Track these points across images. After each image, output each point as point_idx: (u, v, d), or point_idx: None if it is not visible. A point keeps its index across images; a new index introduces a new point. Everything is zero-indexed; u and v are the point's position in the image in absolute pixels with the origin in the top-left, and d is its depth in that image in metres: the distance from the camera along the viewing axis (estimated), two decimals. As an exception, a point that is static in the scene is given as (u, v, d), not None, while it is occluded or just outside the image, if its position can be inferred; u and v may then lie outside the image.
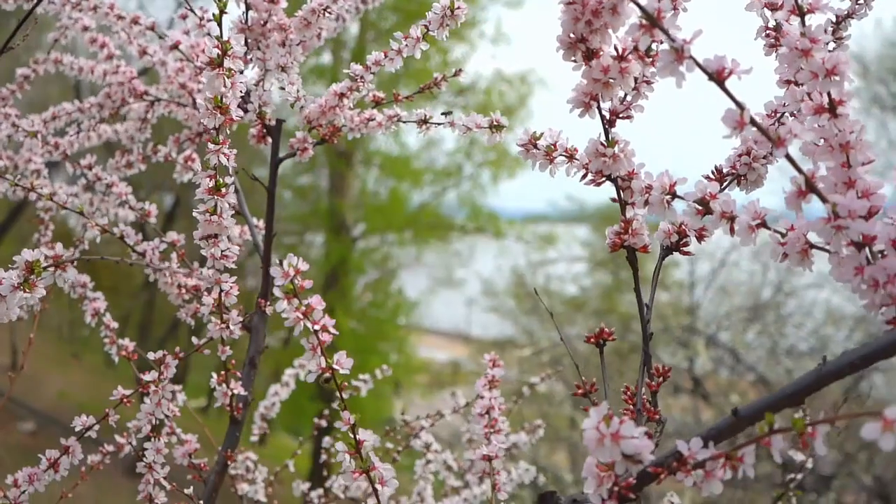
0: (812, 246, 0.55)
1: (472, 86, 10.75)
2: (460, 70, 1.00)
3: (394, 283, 12.07)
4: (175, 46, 1.07)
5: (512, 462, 1.46)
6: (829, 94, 0.54)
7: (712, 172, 0.71)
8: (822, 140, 0.56)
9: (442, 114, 0.98)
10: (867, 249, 0.52)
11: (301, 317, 0.62)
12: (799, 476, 1.08)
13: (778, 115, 0.70)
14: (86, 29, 1.20)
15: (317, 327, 0.63)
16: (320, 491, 1.39)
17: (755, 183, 0.69)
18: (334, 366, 0.64)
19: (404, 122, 0.97)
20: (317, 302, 0.63)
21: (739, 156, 0.69)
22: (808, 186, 0.52)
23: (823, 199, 0.52)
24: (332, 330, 0.63)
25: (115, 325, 1.11)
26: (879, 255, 0.53)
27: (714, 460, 0.51)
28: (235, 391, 0.98)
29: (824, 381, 0.50)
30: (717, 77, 0.51)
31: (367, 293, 11.67)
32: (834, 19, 0.73)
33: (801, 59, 0.54)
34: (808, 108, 0.55)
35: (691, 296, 6.75)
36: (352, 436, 0.65)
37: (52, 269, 0.67)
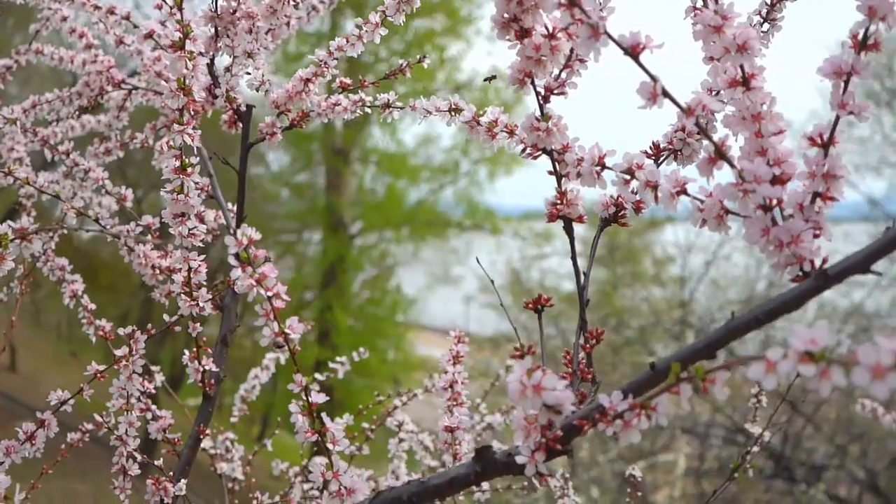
0: (728, 211, 0.58)
1: (469, 83, 10.78)
2: (424, 57, 1.04)
3: (391, 281, 12.11)
4: (149, 35, 1.10)
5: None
6: (741, 68, 0.58)
7: (650, 147, 0.74)
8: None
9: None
10: (774, 212, 0.55)
11: (255, 284, 0.66)
12: (755, 448, 1.11)
13: (713, 92, 0.73)
14: (65, 19, 1.23)
15: (270, 294, 0.66)
16: (297, 468, 1.43)
17: (689, 157, 0.72)
18: (286, 330, 0.67)
19: (369, 106, 1.01)
20: (269, 270, 0.67)
21: (675, 131, 0.73)
22: (718, 153, 0.56)
23: (732, 165, 0.55)
24: (285, 297, 0.67)
25: (92, 306, 1.15)
26: (790, 219, 0.56)
27: (631, 410, 0.54)
28: (207, 367, 1.01)
29: (732, 335, 0.54)
30: (632, 51, 0.55)
31: (365, 290, 11.71)
32: (768, 1, 0.76)
33: (714, 36, 0.57)
34: (723, 81, 0.58)
35: (683, 290, 6.79)
36: (304, 398, 0.69)
37: (17, 241, 0.71)
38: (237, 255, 0.65)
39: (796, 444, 6.05)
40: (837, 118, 0.56)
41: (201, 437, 1.03)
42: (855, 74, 0.55)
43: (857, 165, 9.00)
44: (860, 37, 0.55)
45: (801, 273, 0.54)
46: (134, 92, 1.25)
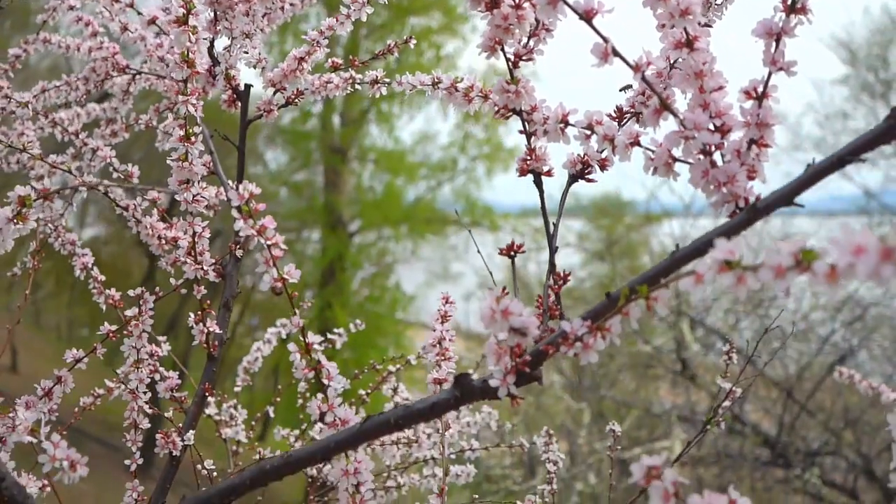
0: (675, 159, 0.66)
1: (469, 75, 10.83)
2: (410, 38, 1.11)
3: (390, 278, 12.17)
4: (153, 21, 1.17)
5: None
6: (685, 31, 0.65)
7: (614, 111, 0.81)
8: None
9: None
10: (714, 157, 0.63)
11: (256, 233, 0.73)
12: (727, 403, 1.18)
13: (671, 60, 0.80)
14: (71, 8, 1.30)
15: (269, 242, 0.73)
16: (297, 432, 1.50)
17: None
18: (285, 275, 0.75)
19: (358, 83, 1.08)
20: (269, 222, 0.74)
21: (636, 95, 0.80)
22: (663, 105, 0.63)
23: (675, 115, 0.62)
24: (283, 246, 0.74)
25: (102, 277, 1.22)
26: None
27: (589, 333, 0.61)
28: (211, 329, 1.09)
29: (677, 264, 0.61)
30: (586, 16, 0.62)
31: (364, 288, 11.77)
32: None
33: (660, 3, 0.64)
34: (670, 43, 0.65)
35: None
36: (302, 338, 0.76)
37: (40, 200, 0.78)
38: (239, 208, 0.73)
39: (791, 431, 6.13)
40: (770, 73, 0.63)
41: (207, 395, 1.10)
42: (784, 35, 0.63)
43: (853, 157, 9.04)
44: (790, 2, 0.62)
45: (736, 209, 0.61)
46: (137, 77, 1.32)
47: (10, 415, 0.74)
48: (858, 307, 7.01)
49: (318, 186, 11.92)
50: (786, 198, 0.58)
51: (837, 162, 0.57)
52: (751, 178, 0.62)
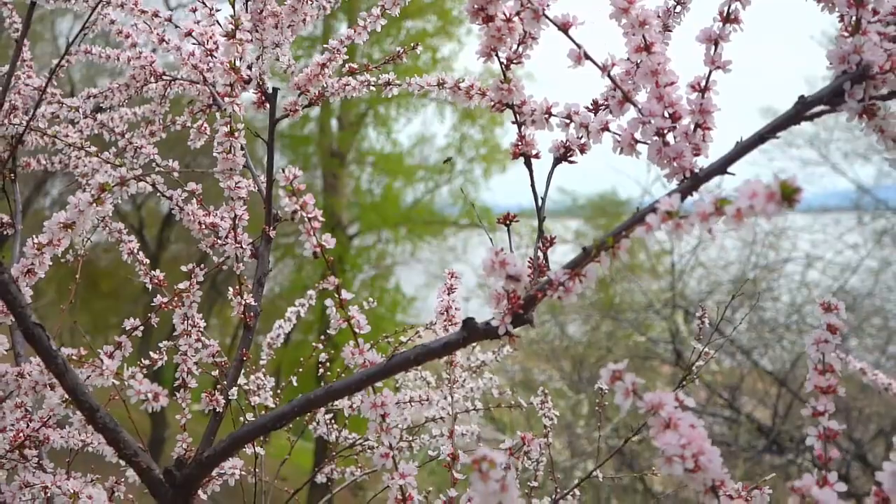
0: (636, 140, 0.82)
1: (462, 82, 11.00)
2: (417, 44, 1.27)
3: (390, 280, 12.31)
4: (189, 34, 1.33)
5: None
6: (644, 38, 0.81)
7: (591, 103, 0.97)
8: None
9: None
10: (666, 138, 0.79)
11: (299, 208, 0.89)
12: (700, 363, 1.34)
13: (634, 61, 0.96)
14: (112, 22, 1.46)
15: (310, 216, 0.89)
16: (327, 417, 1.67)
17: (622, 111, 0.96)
18: (322, 242, 0.91)
19: (373, 85, 1.24)
20: (309, 199, 0.90)
21: (608, 90, 0.96)
22: (625, 98, 0.79)
23: (634, 105, 0.79)
24: (320, 217, 0.90)
25: (147, 261, 1.38)
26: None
27: (570, 279, 0.77)
28: (248, 302, 1.25)
29: (636, 222, 0.77)
30: (563, 28, 0.78)
31: (364, 290, 11.90)
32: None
33: (623, 15, 0.81)
34: (632, 48, 0.82)
35: (673, 273, 7.03)
36: (337, 295, 0.92)
37: (118, 186, 0.94)
38: (285, 188, 0.89)
39: (785, 420, 6.30)
40: (710, 71, 0.79)
41: (244, 358, 1.26)
42: (721, 40, 0.79)
43: (846, 153, 9.22)
44: (724, 13, 0.79)
45: (683, 179, 0.77)
46: (173, 82, 1.49)
47: (95, 362, 0.90)
48: (850, 297, 7.18)
49: (316, 190, 12.06)
50: (720, 168, 0.74)
51: (759, 139, 0.73)
52: (696, 155, 0.78)
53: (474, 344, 1.82)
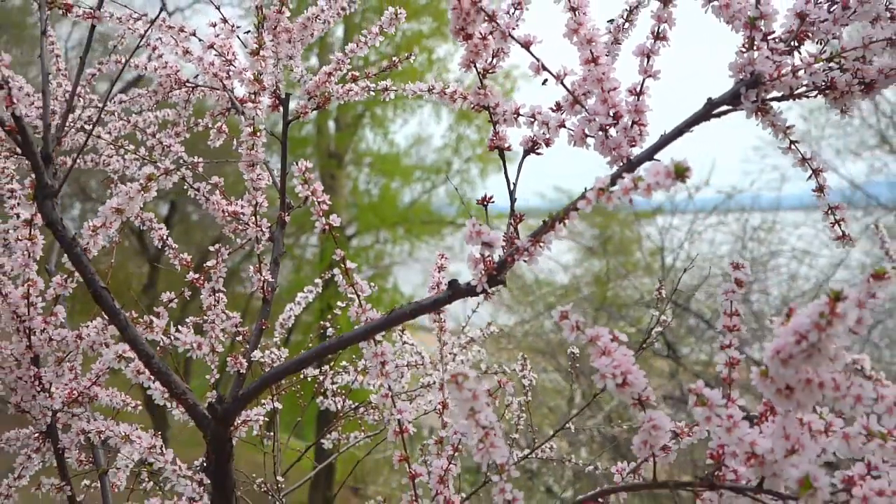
0: (586, 135, 1.02)
1: (458, 82, 11.21)
2: (411, 54, 1.47)
3: (388, 280, 12.49)
4: (211, 46, 1.53)
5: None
6: (591, 52, 1.01)
7: (555, 104, 1.17)
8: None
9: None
10: (608, 132, 0.99)
11: (310, 194, 1.09)
12: (658, 329, 1.53)
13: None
14: (142, 36, 1.66)
15: (320, 199, 1.09)
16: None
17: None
18: (330, 221, 1.10)
19: (373, 91, 1.44)
20: (319, 186, 1.10)
21: (566, 95, 1.16)
22: (574, 100, 0.99)
23: (583, 106, 0.99)
24: (328, 201, 1.10)
25: (175, 245, 1.58)
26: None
27: (532, 245, 0.97)
28: (266, 278, 1.44)
29: (578, 199, 0.97)
30: (525, 45, 0.98)
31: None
32: (629, 7, 1.19)
33: (574, 34, 1.00)
34: (582, 60, 1.01)
35: (664, 268, 7.23)
36: (343, 265, 1.12)
37: (163, 176, 1.13)
38: (298, 177, 1.08)
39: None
40: (644, 79, 0.99)
41: (263, 328, 1.46)
42: (653, 54, 0.99)
43: (838, 149, 9.43)
44: (656, 31, 0.99)
45: (622, 164, 0.97)
46: (195, 89, 1.68)
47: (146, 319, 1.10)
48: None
49: (315, 191, 12.17)
50: (648, 155, 0.94)
51: (678, 132, 0.93)
52: (633, 146, 0.98)
53: (465, 325, 2.02)
